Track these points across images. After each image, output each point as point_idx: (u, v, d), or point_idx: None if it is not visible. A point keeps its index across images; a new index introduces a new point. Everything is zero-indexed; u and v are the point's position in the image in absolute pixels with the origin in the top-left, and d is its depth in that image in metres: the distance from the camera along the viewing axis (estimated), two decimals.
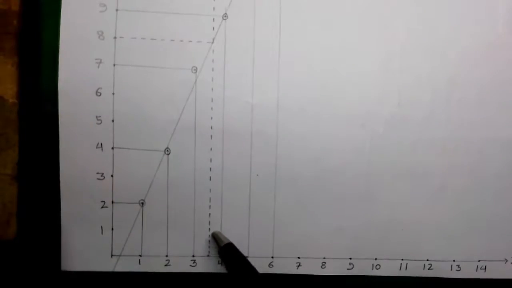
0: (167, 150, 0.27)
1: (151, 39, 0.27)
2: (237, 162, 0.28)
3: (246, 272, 0.25)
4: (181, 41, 0.27)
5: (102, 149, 0.27)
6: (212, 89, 0.28)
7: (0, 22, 0.27)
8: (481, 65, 0.28)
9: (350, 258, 0.29)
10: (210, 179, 0.28)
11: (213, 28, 0.28)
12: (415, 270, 0.29)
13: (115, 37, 0.27)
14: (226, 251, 0.26)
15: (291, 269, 0.28)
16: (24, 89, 0.27)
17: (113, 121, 0.27)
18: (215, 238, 0.27)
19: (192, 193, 0.28)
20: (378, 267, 0.29)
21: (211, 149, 0.28)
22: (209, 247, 0.28)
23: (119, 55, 0.27)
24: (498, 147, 0.28)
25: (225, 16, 0.28)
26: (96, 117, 0.27)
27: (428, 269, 0.29)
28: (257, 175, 0.28)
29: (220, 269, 0.28)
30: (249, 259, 0.28)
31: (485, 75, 0.28)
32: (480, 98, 0.28)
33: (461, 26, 0.28)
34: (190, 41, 0.27)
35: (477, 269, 0.29)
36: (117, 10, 0.27)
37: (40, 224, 0.27)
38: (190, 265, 0.28)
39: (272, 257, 0.28)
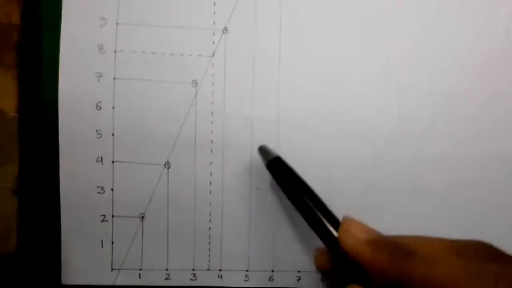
0: (167, 164, 0.27)
1: (151, 53, 0.27)
2: (238, 175, 0.28)
3: (295, 185, 0.24)
4: (181, 55, 0.27)
5: (102, 163, 0.27)
6: (212, 103, 0.28)
7: (0, 35, 0.27)
8: (481, 78, 0.28)
9: None
10: (210, 193, 0.28)
11: (213, 42, 0.28)
12: None
13: (115, 51, 0.27)
14: (275, 165, 0.25)
15: (291, 283, 0.28)
16: (24, 103, 0.27)
17: (113, 135, 0.27)
18: (263, 151, 0.26)
19: (192, 207, 0.28)
20: None
21: (211, 162, 0.28)
22: (209, 260, 0.28)
23: (119, 69, 0.27)
24: (499, 160, 0.28)
25: (225, 30, 0.28)
26: (96, 131, 0.27)
27: None
28: (258, 188, 0.28)
29: (220, 282, 0.28)
30: (249, 273, 0.28)
31: (486, 89, 0.28)
32: (481, 111, 0.28)
33: (461, 39, 0.28)
34: (190, 55, 0.27)
35: None
36: (117, 24, 0.27)
37: (40, 237, 0.27)
38: (190, 279, 0.28)
39: (272, 271, 0.28)
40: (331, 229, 0.21)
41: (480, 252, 0.18)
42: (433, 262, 0.18)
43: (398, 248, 0.19)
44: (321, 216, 0.22)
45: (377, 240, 0.20)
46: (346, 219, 0.21)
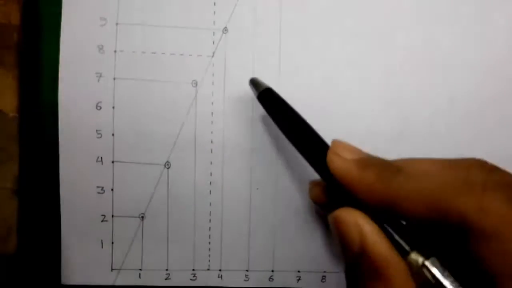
0: (167, 164, 0.27)
1: (151, 53, 0.27)
2: (237, 175, 0.28)
3: (286, 114, 0.23)
4: (181, 55, 0.27)
5: (102, 163, 0.27)
6: (212, 103, 0.28)
7: (0, 36, 0.27)
8: (482, 80, 0.28)
9: None
10: (210, 193, 0.28)
11: (213, 42, 0.28)
12: None
13: (115, 51, 0.27)
14: (265, 96, 0.25)
15: (291, 283, 0.28)
16: (24, 103, 0.27)
17: (113, 135, 0.27)
18: (254, 83, 0.25)
19: (192, 207, 0.28)
20: None
21: (211, 163, 0.28)
22: (209, 260, 0.28)
23: (119, 69, 0.27)
24: (499, 160, 0.28)
25: (225, 30, 0.28)
26: (96, 131, 0.27)
27: None
28: (257, 188, 0.28)
29: (220, 282, 0.28)
30: (249, 273, 0.28)
31: (486, 89, 0.28)
32: (481, 111, 0.28)
33: (461, 42, 0.28)
34: (190, 55, 0.27)
35: None
36: (117, 24, 0.27)
37: (40, 238, 0.27)
38: (190, 279, 0.28)
39: (272, 271, 0.28)
40: (320, 153, 0.21)
41: (472, 166, 0.18)
42: (421, 176, 0.17)
43: (386, 166, 0.19)
44: (311, 142, 0.22)
45: (365, 159, 0.19)
46: (334, 141, 0.21)
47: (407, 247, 0.17)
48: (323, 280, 0.28)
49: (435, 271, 0.16)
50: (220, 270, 0.28)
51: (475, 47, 0.28)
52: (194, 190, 0.28)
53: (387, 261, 0.17)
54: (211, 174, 0.28)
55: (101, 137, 0.27)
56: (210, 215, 0.28)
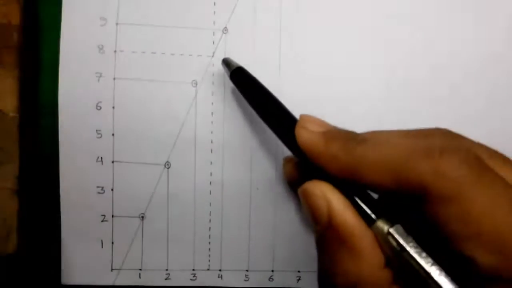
0: (167, 164, 0.27)
1: (151, 53, 0.27)
2: (238, 175, 0.28)
3: (256, 91, 0.24)
4: (181, 55, 0.27)
5: (102, 163, 0.27)
6: (212, 103, 0.28)
7: (1, 36, 0.27)
8: (482, 79, 0.28)
9: None
10: (210, 193, 0.28)
11: (213, 42, 0.28)
12: None
13: (115, 51, 0.27)
14: (237, 75, 0.25)
15: (292, 283, 0.28)
16: (25, 103, 0.27)
17: (113, 135, 0.27)
18: (226, 63, 0.26)
19: (192, 207, 0.28)
20: None
21: (211, 162, 0.28)
22: (209, 260, 0.28)
23: (119, 69, 0.27)
24: None
25: (225, 30, 0.28)
26: (96, 131, 0.27)
27: None
28: (257, 188, 0.28)
29: (220, 282, 0.28)
30: (249, 273, 0.28)
31: (486, 89, 0.28)
32: (481, 111, 0.28)
33: (461, 40, 0.28)
34: (190, 55, 0.27)
35: None
36: (117, 24, 0.27)
37: (40, 238, 0.27)
38: (190, 279, 0.28)
39: (272, 271, 0.28)
40: (289, 127, 0.21)
41: (433, 134, 0.18)
42: (383, 144, 0.17)
43: (350, 137, 0.19)
44: (281, 117, 0.22)
45: (331, 131, 0.20)
46: (302, 115, 0.21)
47: (373, 216, 0.18)
48: None
49: (399, 238, 0.17)
50: (220, 270, 0.28)
51: (475, 45, 0.28)
52: (194, 190, 0.28)
53: (353, 231, 0.17)
54: (211, 174, 0.28)
55: (101, 137, 0.27)
56: (210, 215, 0.28)
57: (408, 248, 0.16)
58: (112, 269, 0.28)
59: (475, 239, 0.15)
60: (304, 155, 0.20)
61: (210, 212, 0.28)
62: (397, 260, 0.17)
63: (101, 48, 0.27)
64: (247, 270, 0.28)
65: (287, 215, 0.28)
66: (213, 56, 0.28)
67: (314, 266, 0.28)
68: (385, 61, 0.28)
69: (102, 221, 0.27)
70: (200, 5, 0.28)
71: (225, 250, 0.28)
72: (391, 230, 0.17)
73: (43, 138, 0.27)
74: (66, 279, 0.28)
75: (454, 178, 0.15)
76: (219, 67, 0.27)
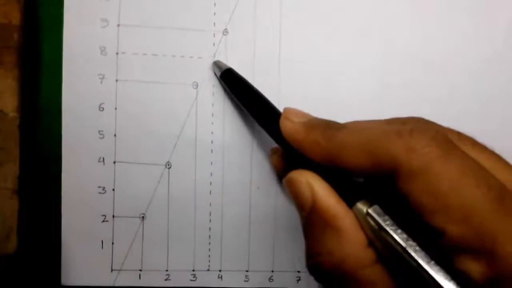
0: (168, 164, 0.28)
1: (153, 54, 0.28)
2: (237, 175, 0.28)
3: (247, 93, 0.26)
4: (182, 56, 0.28)
5: (104, 163, 0.27)
6: (212, 104, 0.28)
7: (1, 36, 0.27)
8: (481, 79, 0.29)
9: None
10: (210, 193, 0.28)
11: (214, 44, 0.28)
12: None
13: (117, 53, 0.27)
14: (227, 75, 0.27)
15: (291, 283, 0.28)
16: (25, 103, 0.27)
17: (115, 135, 0.27)
18: (217, 65, 0.27)
19: (193, 207, 0.28)
20: None
21: (211, 163, 0.28)
22: (209, 261, 0.28)
23: (121, 71, 0.27)
24: None
25: (225, 32, 0.28)
26: (99, 131, 0.27)
27: None
28: (258, 187, 0.28)
29: (220, 283, 0.28)
30: (249, 273, 0.28)
31: (486, 89, 0.29)
32: (481, 111, 0.29)
33: (461, 40, 0.29)
34: (191, 57, 0.28)
35: None
36: (118, 25, 0.28)
37: (40, 238, 0.27)
38: (190, 280, 0.28)
39: (272, 271, 0.28)
40: (275, 121, 0.22)
41: (407, 120, 0.20)
42: (361, 130, 0.19)
43: (330, 125, 0.20)
44: (267, 112, 0.24)
45: (311, 120, 0.21)
46: (285, 108, 0.22)
47: (353, 198, 0.19)
48: None
49: (376, 217, 0.18)
50: (220, 270, 0.28)
51: (475, 45, 0.29)
52: (195, 190, 0.28)
53: (336, 213, 0.18)
54: (211, 174, 0.28)
55: (103, 137, 0.27)
56: (210, 215, 0.28)
57: (385, 226, 0.17)
58: (112, 270, 0.28)
59: (444, 212, 0.16)
60: (288, 145, 0.21)
61: (210, 212, 0.28)
62: (377, 239, 0.18)
63: (103, 50, 0.27)
64: (247, 271, 0.28)
65: (287, 215, 0.28)
66: (213, 57, 0.28)
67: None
68: (384, 61, 0.28)
69: (102, 221, 0.28)
70: (200, 6, 0.28)
71: (225, 251, 0.28)
72: (370, 210, 0.18)
73: (44, 138, 0.27)
74: (66, 279, 0.28)
75: (423, 153, 0.16)
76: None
